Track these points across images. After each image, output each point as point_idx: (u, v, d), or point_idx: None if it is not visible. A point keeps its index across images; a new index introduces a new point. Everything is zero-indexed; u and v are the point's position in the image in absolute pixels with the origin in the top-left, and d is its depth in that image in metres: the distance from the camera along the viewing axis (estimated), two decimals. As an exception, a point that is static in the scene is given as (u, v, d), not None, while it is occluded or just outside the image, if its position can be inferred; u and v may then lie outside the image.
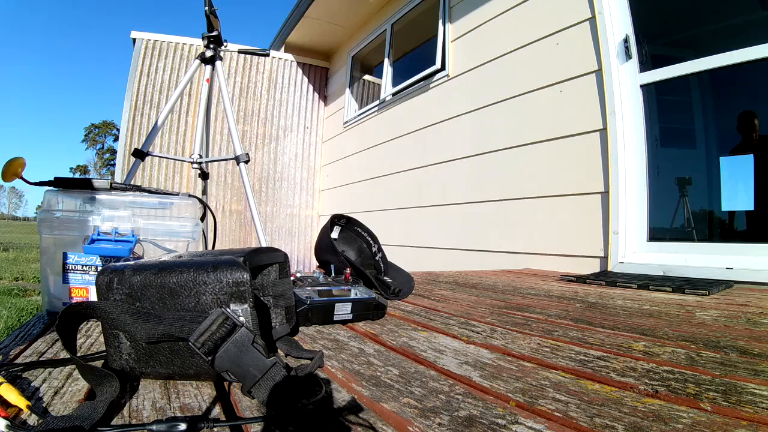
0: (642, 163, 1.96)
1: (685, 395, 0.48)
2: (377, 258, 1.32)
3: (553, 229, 2.24)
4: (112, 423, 0.40)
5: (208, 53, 1.97)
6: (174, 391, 0.49)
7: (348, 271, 1.02)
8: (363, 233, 1.35)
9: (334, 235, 1.34)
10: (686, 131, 2.10)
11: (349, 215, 1.36)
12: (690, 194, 1.95)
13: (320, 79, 5.48)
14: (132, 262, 0.53)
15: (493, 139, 2.69)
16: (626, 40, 1.99)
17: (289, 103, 5.31)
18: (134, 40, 4.70)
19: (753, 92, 1.82)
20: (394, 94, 3.83)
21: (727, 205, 1.83)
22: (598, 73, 2.05)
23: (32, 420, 0.40)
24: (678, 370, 0.57)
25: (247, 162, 1.91)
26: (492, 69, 2.75)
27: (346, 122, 4.75)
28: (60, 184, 0.86)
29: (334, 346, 0.69)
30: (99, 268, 0.78)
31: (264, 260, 0.69)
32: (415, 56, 3.98)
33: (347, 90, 4.85)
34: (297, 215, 5.30)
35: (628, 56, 1.99)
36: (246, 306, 0.50)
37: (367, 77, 4.94)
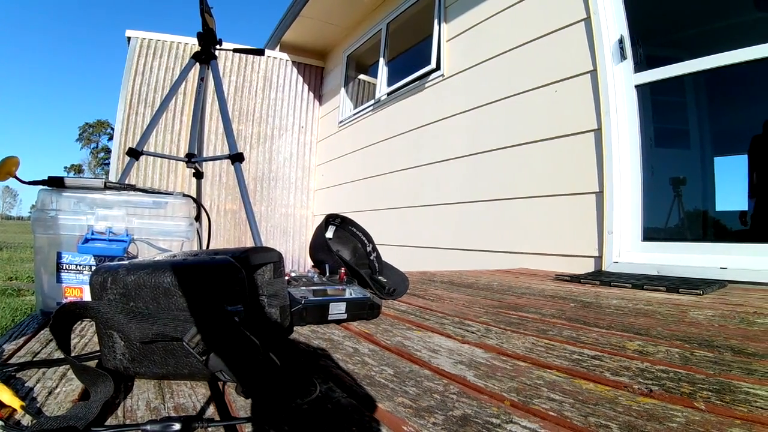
0: (636, 163, 1.97)
1: (679, 394, 0.49)
2: (372, 257, 1.32)
3: (548, 229, 2.25)
4: (106, 423, 0.40)
5: (203, 52, 1.96)
6: (168, 391, 0.48)
7: (342, 270, 1.01)
8: (358, 233, 1.35)
9: (329, 234, 1.34)
10: (681, 131, 2.11)
11: (343, 215, 1.36)
12: (684, 194, 1.97)
13: (315, 79, 5.47)
14: (126, 262, 0.53)
15: (488, 139, 2.70)
16: (621, 41, 2.00)
17: (284, 102, 5.30)
18: (129, 38, 4.67)
19: (747, 93, 1.83)
20: (389, 94, 3.83)
21: (721, 205, 1.84)
22: (593, 73, 2.06)
23: (26, 420, 0.40)
24: (672, 369, 0.58)
25: (241, 161, 1.90)
26: (487, 69, 2.75)
27: (341, 122, 4.74)
28: (54, 183, 0.85)
29: (329, 346, 0.69)
30: (93, 268, 0.78)
31: (258, 260, 0.69)
32: (410, 56, 3.98)
33: (342, 89, 4.84)
34: (292, 215, 5.29)
35: (623, 57, 2.00)
36: (240, 306, 0.50)
37: (362, 77, 4.93)
